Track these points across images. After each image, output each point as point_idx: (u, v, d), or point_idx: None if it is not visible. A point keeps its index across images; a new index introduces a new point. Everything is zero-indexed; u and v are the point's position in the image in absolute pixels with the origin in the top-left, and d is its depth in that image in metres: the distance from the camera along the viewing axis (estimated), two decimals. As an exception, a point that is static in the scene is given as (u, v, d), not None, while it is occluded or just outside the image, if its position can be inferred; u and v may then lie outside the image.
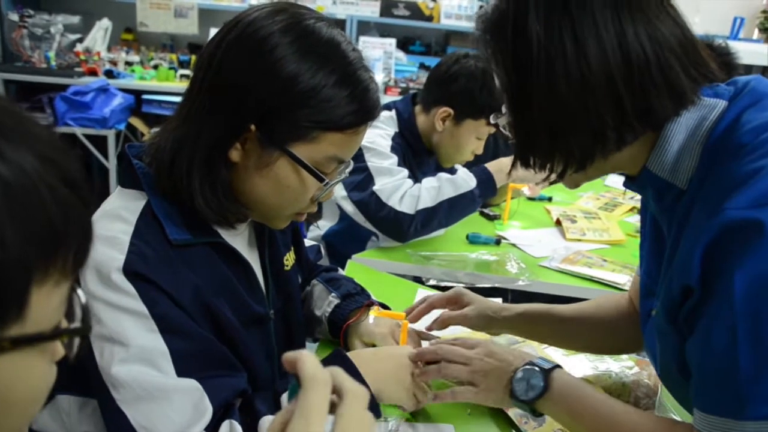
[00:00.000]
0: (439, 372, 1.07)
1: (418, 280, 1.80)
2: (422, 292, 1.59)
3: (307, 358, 0.47)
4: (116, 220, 0.91)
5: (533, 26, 0.80)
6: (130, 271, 0.87)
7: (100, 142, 3.93)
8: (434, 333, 1.29)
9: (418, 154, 2.00)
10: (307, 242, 1.45)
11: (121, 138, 4.08)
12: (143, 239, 0.90)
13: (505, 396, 1.01)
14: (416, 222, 1.75)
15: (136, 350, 0.86)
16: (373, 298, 1.35)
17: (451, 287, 1.71)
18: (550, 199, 2.42)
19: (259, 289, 1.09)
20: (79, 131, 3.84)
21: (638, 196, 0.94)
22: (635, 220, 2.25)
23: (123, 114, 4.04)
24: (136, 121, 4.11)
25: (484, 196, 1.87)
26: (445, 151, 1.96)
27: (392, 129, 1.95)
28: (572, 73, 0.79)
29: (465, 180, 1.83)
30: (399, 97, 2.17)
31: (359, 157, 1.85)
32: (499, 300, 1.54)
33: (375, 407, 0.97)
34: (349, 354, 1.04)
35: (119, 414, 0.85)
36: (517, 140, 0.88)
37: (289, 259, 1.21)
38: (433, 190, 1.79)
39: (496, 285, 1.72)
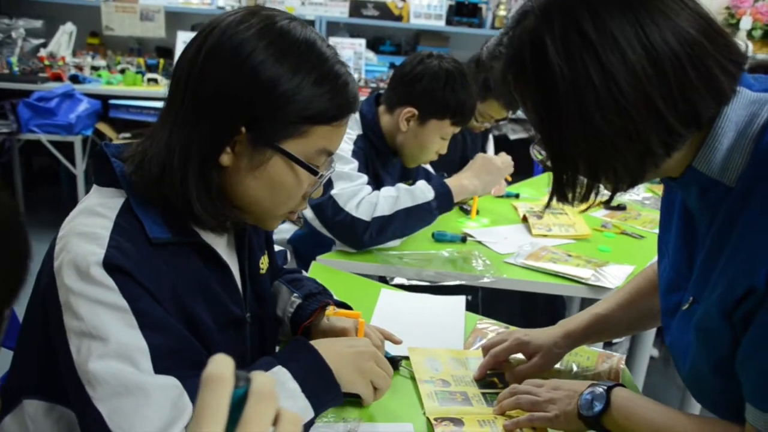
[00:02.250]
0: (517, 403, 1.10)
1: (383, 279, 1.79)
2: (386, 292, 1.58)
3: (217, 358, 0.45)
4: (95, 215, 0.91)
5: (554, 60, 0.78)
6: (110, 264, 0.86)
7: (67, 149, 3.87)
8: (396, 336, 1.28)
9: (382, 155, 1.99)
10: (276, 247, 1.44)
11: (88, 144, 4.02)
12: (123, 235, 0.89)
13: (574, 417, 1.02)
14: (371, 229, 1.74)
15: (114, 346, 0.83)
16: (335, 297, 1.34)
17: (416, 286, 1.72)
18: (517, 196, 2.42)
19: (236, 291, 1.08)
20: (44, 138, 3.78)
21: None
22: (602, 214, 2.27)
23: (89, 120, 3.98)
24: (103, 127, 4.06)
25: (441, 209, 1.86)
26: (409, 151, 1.95)
27: (355, 131, 1.93)
28: (605, 103, 0.76)
29: (423, 191, 1.82)
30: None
31: None
32: (462, 298, 1.55)
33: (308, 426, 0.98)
34: (312, 342, 1.04)
35: (94, 413, 0.82)
36: (556, 178, 0.85)
37: (264, 262, 1.21)
38: (390, 198, 1.77)
39: (462, 283, 1.72)
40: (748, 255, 0.78)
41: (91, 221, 0.90)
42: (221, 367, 0.45)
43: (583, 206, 0.90)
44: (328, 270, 1.68)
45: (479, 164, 2.01)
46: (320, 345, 1.03)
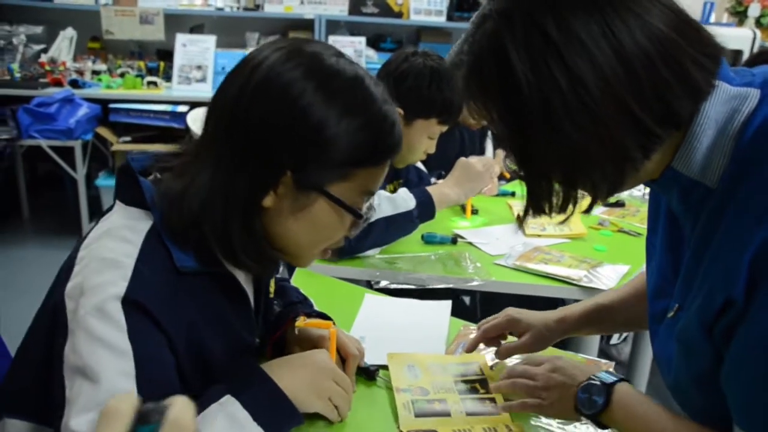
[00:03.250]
0: (513, 387, 1.08)
1: (370, 284, 1.75)
2: (370, 297, 1.54)
3: (118, 395, 0.42)
4: (120, 241, 0.88)
5: (517, 65, 0.72)
6: (129, 300, 0.83)
7: (68, 153, 3.86)
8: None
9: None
10: None
11: (88, 148, 4.02)
12: (148, 264, 0.86)
13: (570, 410, 0.98)
14: (349, 238, 1.68)
15: (104, 393, 0.79)
16: (314, 307, 1.30)
17: (403, 290, 1.67)
18: (513, 194, 2.37)
19: (251, 319, 1.06)
20: (44, 143, 3.78)
21: None
22: (599, 212, 2.20)
23: (89, 124, 3.97)
24: (103, 131, 4.05)
25: (423, 218, 1.80)
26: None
27: None
28: (574, 108, 0.71)
29: (405, 200, 1.77)
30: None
31: None
32: (448, 303, 1.50)
33: None
34: (264, 365, 0.99)
35: None
36: (529, 191, 0.81)
37: (272, 285, 1.18)
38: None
39: (450, 286, 1.67)
40: (727, 262, 0.73)
41: (116, 246, 0.87)
42: (119, 402, 0.42)
43: (562, 217, 0.84)
44: (312, 275, 1.64)
45: (459, 171, 1.94)
46: (272, 367, 0.99)
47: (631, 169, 0.76)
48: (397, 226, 1.75)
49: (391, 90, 1.85)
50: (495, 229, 2.02)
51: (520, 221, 0.86)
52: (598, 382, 0.96)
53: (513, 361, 1.25)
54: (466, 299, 2.50)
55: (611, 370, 1.25)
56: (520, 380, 1.07)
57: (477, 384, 1.19)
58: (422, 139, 1.86)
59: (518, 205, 2.20)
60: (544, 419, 1.08)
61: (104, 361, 0.80)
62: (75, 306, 0.83)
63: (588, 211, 0.84)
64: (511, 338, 1.26)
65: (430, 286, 1.65)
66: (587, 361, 1.28)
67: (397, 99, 1.85)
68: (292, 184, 0.90)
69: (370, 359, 1.24)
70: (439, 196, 1.83)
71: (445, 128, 1.87)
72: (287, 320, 1.17)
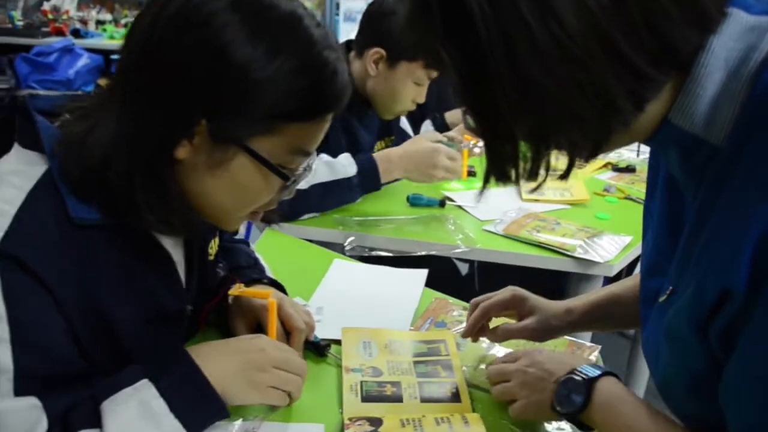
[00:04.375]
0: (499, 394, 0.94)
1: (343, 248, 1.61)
2: (339, 263, 1.40)
3: None
4: (5, 186, 0.76)
5: None
6: (5, 253, 0.71)
7: (67, 105, 3.76)
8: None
9: (355, 107, 1.79)
10: None
11: (89, 100, 3.92)
12: (33, 214, 0.74)
13: (547, 409, 0.85)
14: (282, 203, 1.55)
15: None
16: (268, 272, 1.17)
17: (382, 257, 1.53)
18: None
19: (178, 283, 0.94)
20: (42, 94, 3.67)
21: (623, 153, 0.73)
22: (608, 176, 2.03)
23: (90, 75, 3.87)
24: (105, 83, 3.93)
25: (364, 186, 1.64)
26: (381, 100, 1.75)
27: None
28: (543, 46, 0.54)
29: (344, 166, 1.61)
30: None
31: None
32: (423, 271, 1.35)
33: None
34: (191, 348, 0.86)
35: None
36: (490, 151, 0.64)
37: (213, 246, 1.06)
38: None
39: (432, 253, 1.52)
40: (725, 244, 0.57)
41: None
42: None
43: (533, 184, 0.68)
44: (278, 235, 1.51)
45: (408, 147, 1.69)
46: (200, 351, 0.86)
47: (618, 123, 0.58)
48: (335, 193, 1.60)
49: (373, 30, 1.71)
50: (490, 192, 1.85)
51: (483, 187, 0.68)
52: (579, 378, 0.82)
53: (484, 345, 1.11)
54: (464, 267, 2.36)
55: (597, 354, 1.11)
56: (496, 387, 0.94)
57: (439, 366, 1.05)
58: (407, 85, 1.70)
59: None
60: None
61: None
62: None
63: (565, 176, 0.66)
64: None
65: (407, 253, 1.50)
66: (569, 343, 1.13)
67: (380, 39, 1.71)
68: (208, 135, 0.77)
69: (325, 332, 1.11)
70: (385, 162, 1.65)
71: (433, 74, 1.70)
72: (226, 287, 1.04)
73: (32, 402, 0.73)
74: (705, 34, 0.57)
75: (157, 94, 0.76)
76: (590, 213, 1.73)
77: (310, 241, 1.55)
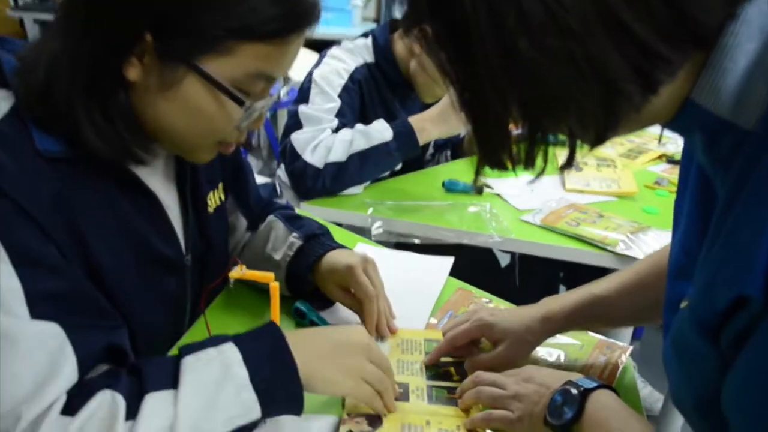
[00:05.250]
0: (477, 396, 0.87)
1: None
2: (362, 246, 1.34)
3: None
4: None
5: None
6: None
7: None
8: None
9: (398, 88, 1.73)
10: (261, 179, 1.25)
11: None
12: (5, 148, 0.71)
13: (539, 421, 0.80)
14: (324, 177, 1.52)
15: None
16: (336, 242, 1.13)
17: (403, 243, 1.47)
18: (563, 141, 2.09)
19: (169, 228, 0.91)
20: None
21: (680, 140, 0.65)
22: (662, 169, 1.90)
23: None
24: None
25: (403, 151, 1.58)
26: (422, 80, 1.68)
27: (360, 60, 1.69)
28: (534, 19, 0.47)
29: (380, 131, 1.55)
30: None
31: (306, 92, 1.61)
32: (450, 259, 1.28)
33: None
34: (287, 332, 0.80)
35: None
36: (479, 140, 0.57)
37: (213, 198, 1.02)
38: (345, 142, 1.53)
39: (464, 242, 1.45)
40: (742, 244, 0.49)
41: None
42: None
43: (569, 171, 0.60)
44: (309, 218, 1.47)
45: (445, 107, 1.64)
46: (290, 334, 0.80)
47: (626, 107, 0.51)
48: (374, 161, 1.56)
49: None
50: (532, 177, 1.76)
51: (476, 176, 0.61)
52: (574, 390, 0.76)
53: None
54: (505, 258, 2.27)
55: (629, 353, 1.03)
56: (486, 389, 0.86)
57: (451, 368, 0.97)
58: None
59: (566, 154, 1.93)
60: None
61: None
62: None
63: (566, 166, 0.57)
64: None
65: (437, 241, 1.44)
66: (597, 342, 1.04)
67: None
68: (156, 54, 0.73)
69: (338, 318, 1.07)
70: (421, 123, 1.60)
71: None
72: (227, 269, 0.97)
73: (53, 329, 0.69)
74: (733, 4, 0.48)
75: (98, 7, 0.72)
76: (638, 207, 1.62)
77: (339, 224, 1.50)
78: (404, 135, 1.56)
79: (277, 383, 0.74)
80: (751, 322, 0.48)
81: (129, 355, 0.78)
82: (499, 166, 0.58)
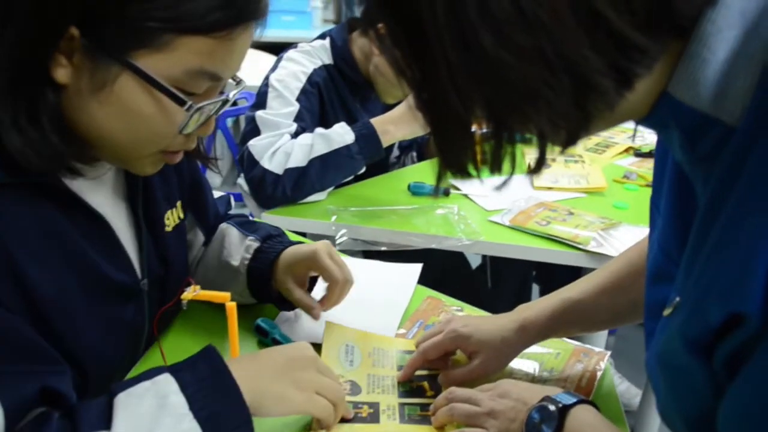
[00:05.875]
0: (450, 413, 0.82)
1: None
2: (327, 258, 1.29)
3: None
4: None
5: None
6: None
7: None
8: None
9: (358, 89, 1.68)
10: (216, 193, 1.19)
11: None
12: None
13: None
14: (284, 183, 1.45)
15: None
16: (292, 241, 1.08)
17: (370, 251, 1.42)
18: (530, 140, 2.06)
19: (120, 252, 0.84)
20: None
21: (647, 132, 0.60)
22: (630, 162, 1.88)
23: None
24: None
25: (366, 154, 1.52)
26: (381, 80, 1.64)
27: (318, 62, 1.64)
28: (498, 13, 0.42)
29: (341, 135, 1.49)
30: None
31: (263, 96, 1.55)
32: (417, 266, 1.24)
33: None
34: (228, 359, 0.74)
35: None
36: (439, 144, 0.52)
37: (172, 217, 0.96)
38: (305, 147, 1.47)
39: (432, 246, 1.41)
40: (736, 256, 0.44)
41: None
42: None
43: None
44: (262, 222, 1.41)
45: (406, 106, 1.58)
46: (237, 360, 0.77)
47: (599, 105, 0.46)
48: (335, 165, 1.49)
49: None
50: (501, 179, 1.72)
51: (438, 183, 0.56)
52: (552, 406, 0.71)
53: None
54: (476, 259, 2.24)
55: (606, 360, 0.99)
56: (460, 405, 0.81)
57: (425, 383, 0.92)
58: None
59: (533, 152, 1.90)
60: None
61: None
62: None
63: (536, 169, 0.53)
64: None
65: (404, 247, 1.39)
66: (574, 350, 1.00)
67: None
68: (85, 50, 0.66)
69: (301, 334, 1.01)
70: (384, 124, 1.53)
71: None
72: (180, 291, 0.91)
73: None
74: None
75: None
76: (608, 202, 1.60)
77: (302, 234, 1.45)
78: (366, 138, 1.50)
79: (220, 408, 0.68)
80: (748, 342, 0.43)
81: (68, 399, 0.71)
82: (462, 171, 0.53)
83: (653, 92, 0.49)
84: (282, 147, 1.47)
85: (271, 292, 1.02)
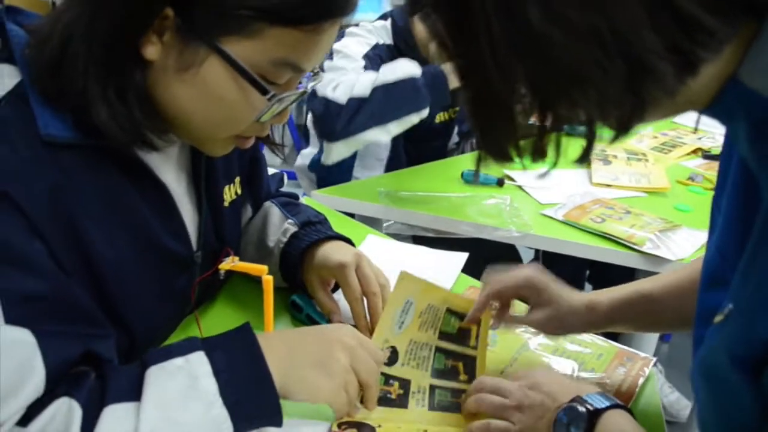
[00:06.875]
0: (478, 405, 0.81)
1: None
2: (372, 239, 1.28)
3: None
4: None
5: None
6: None
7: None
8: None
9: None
10: (270, 170, 1.20)
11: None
12: (1, 133, 0.65)
13: None
14: (345, 113, 1.40)
15: None
16: (333, 230, 1.07)
17: (418, 236, 1.40)
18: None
19: (178, 222, 0.85)
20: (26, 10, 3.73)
21: (717, 133, 0.57)
22: (696, 164, 1.80)
23: None
24: None
25: (432, 90, 1.44)
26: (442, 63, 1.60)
27: (380, 40, 1.62)
28: None
29: (408, 67, 1.44)
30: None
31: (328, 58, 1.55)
32: (463, 255, 1.21)
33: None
34: (262, 336, 0.74)
35: None
36: (480, 128, 0.50)
37: (229, 192, 0.97)
38: (370, 79, 1.43)
39: (481, 236, 1.38)
40: None
41: None
42: None
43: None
44: (318, 206, 1.40)
45: None
46: (271, 338, 0.75)
47: (657, 89, 0.42)
48: (398, 96, 1.43)
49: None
50: (558, 172, 1.67)
51: (477, 168, 0.53)
52: (582, 408, 0.68)
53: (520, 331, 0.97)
54: (529, 253, 2.18)
55: (651, 366, 0.94)
56: (487, 397, 0.79)
57: (460, 363, 0.90)
58: None
59: (599, 147, 1.84)
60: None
61: None
62: None
63: (583, 159, 0.49)
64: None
65: (452, 235, 1.37)
66: (618, 352, 0.96)
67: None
68: (177, 31, 0.66)
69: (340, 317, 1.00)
70: (449, 74, 1.48)
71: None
72: (218, 260, 0.91)
73: (24, 336, 0.63)
74: None
75: None
76: (669, 204, 1.53)
77: (351, 215, 1.44)
78: (434, 75, 1.45)
79: (250, 395, 0.68)
80: None
81: (110, 363, 0.72)
82: (504, 157, 0.50)
83: (720, 79, 0.45)
84: (346, 79, 1.44)
85: (298, 280, 1.02)
